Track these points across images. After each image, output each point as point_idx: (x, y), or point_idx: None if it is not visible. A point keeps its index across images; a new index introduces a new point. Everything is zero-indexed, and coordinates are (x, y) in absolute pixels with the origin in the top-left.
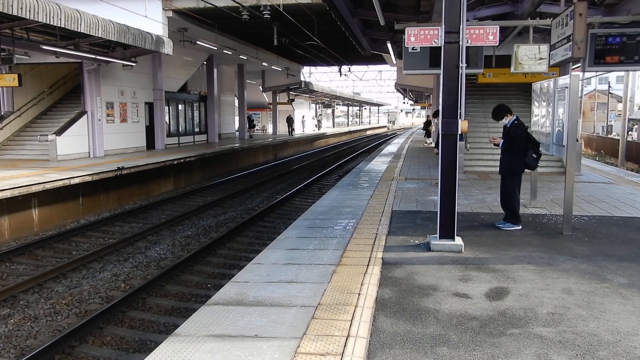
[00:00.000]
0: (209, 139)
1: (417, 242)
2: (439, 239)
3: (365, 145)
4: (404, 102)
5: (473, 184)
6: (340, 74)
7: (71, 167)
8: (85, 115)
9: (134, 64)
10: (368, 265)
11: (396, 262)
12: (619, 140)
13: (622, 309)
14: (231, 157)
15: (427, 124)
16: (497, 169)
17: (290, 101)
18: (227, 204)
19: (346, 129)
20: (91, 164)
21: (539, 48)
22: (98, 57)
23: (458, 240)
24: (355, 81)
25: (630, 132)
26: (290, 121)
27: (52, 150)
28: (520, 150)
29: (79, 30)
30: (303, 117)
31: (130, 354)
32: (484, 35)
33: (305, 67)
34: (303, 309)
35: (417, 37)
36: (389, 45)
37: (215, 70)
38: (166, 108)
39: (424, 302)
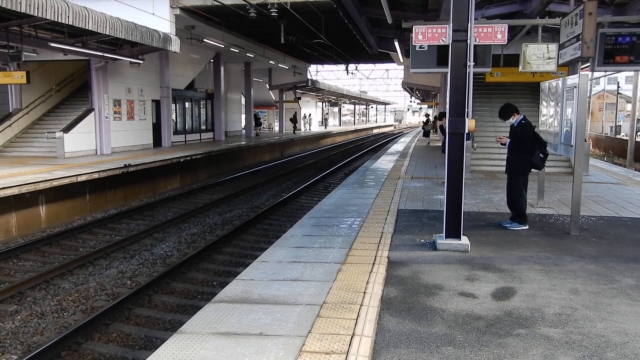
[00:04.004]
0: (216, 136)
1: (423, 241)
2: (445, 238)
3: (372, 144)
4: (410, 101)
5: (480, 183)
6: (347, 73)
7: (78, 164)
8: (93, 112)
9: (141, 62)
10: (374, 264)
11: (402, 261)
12: (627, 140)
13: (630, 310)
14: (237, 155)
15: (426, 123)
16: (504, 169)
17: (297, 99)
18: (233, 202)
19: (352, 128)
20: (98, 161)
21: (548, 47)
22: (106, 55)
23: (464, 240)
24: (362, 79)
25: (639, 133)
26: (293, 120)
27: (59, 147)
28: (527, 149)
29: (86, 28)
30: (310, 115)
31: (136, 350)
32: (492, 33)
33: (312, 66)
34: (308, 307)
35: (425, 35)
36: (396, 43)
37: (222, 68)
38: (173, 106)
39: (430, 302)
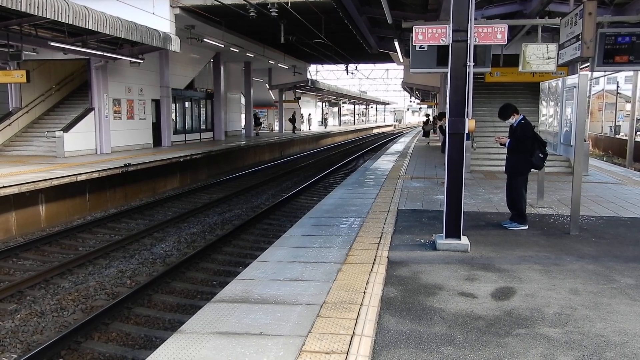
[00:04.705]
0: (215, 136)
1: (423, 241)
2: (445, 238)
3: (372, 144)
4: (410, 101)
5: (479, 183)
6: (347, 72)
7: (78, 164)
8: (93, 111)
9: (141, 61)
10: (373, 263)
11: (402, 261)
12: (626, 140)
13: (629, 310)
14: (237, 155)
15: (426, 123)
16: (504, 169)
17: (297, 99)
18: (232, 202)
19: (352, 128)
20: (98, 160)
21: (547, 47)
22: (106, 54)
23: (464, 240)
24: (362, 79)
25: (638, 133)
26: (292, 119)
27: (59, 146)
28: (526, 149)
29: (86, 27)
30: (310, 115)
31: (135, 350)
32: (492, 33)
33: (311, 65)
34: (308, 307)
35: (425, 35)
36: (396, 43)
37: (222, 68)
38: (173, 105)
39: (430, 302)
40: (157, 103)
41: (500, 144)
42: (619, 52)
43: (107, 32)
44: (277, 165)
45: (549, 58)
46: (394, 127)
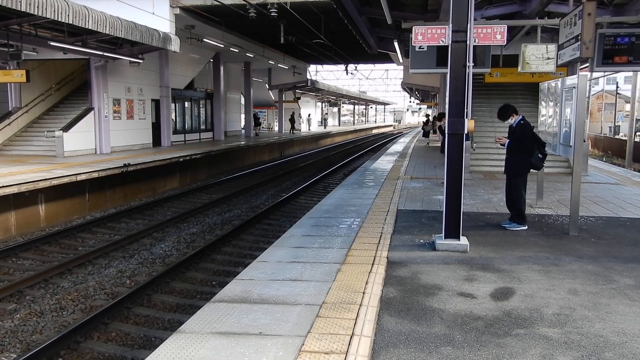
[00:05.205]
0: (215, 136)
1: (422, 241)
2: (445, 238)
3: (371, 144)
4: (410, 101)
5: (479, 183)
6: (347, 73)
7: (78, 164)
8: (92, 111)
9: (141, 61)
10: (373, 264)
11: (401, 262)
12: (626, 140)
13: (628, 310)
14: (237, 155)
15: (426, 124)
16: (503, 169)
17: (297, 99)
18: (232, 202)
19: (352, 128)
20: (97, 160)
21: (547, 48)
22: (105, 54)
23: (463, 240)
24: (361, 80)
25: (637, 133)
26: (291, 120)
27: (59, 146)
28: (526, 150)
29: (86, 27)
30: (309, 115)
31: (135, 350)
32: (491, 34)
33: (311, 66)
34: (308, 307)
35: (425, 35)
36: (395, 44)
37: (221, 68)
38: (172, 105)
39: (429, 302)
40: (156, 103)
41: (500, 145)
42: (618, 52)
43: (107, 32)
44: (277, 165)
45: (548, 58)
46: (394, 128)
